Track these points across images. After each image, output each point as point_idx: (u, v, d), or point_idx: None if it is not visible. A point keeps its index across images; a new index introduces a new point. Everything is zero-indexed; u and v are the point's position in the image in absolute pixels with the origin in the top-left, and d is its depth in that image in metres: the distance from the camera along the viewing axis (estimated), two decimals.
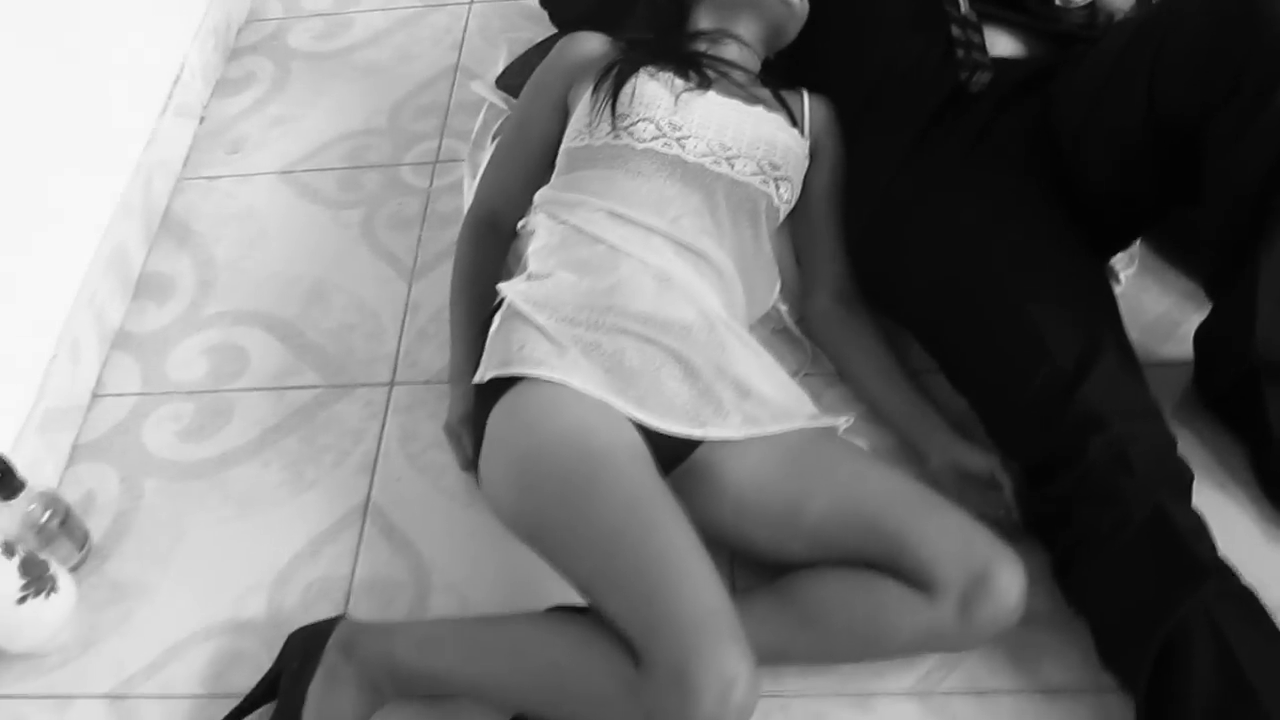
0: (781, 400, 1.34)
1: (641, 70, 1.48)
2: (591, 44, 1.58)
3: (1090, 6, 1.57)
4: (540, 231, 1.43)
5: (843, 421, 1.37)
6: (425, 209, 1.87)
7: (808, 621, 1.24)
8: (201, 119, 2.11)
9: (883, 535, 1.22)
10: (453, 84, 2.08)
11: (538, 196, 1.49)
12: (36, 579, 1.38)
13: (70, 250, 1.74)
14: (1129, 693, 1.19)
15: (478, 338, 1.39)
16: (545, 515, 1.20)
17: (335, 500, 1.52)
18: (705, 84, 1.50)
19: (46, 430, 1.60)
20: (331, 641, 1.27)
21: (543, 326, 1.29)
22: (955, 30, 1.52)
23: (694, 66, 1.52)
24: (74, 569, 1.49)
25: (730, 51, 1.57)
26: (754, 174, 1.46)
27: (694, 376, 1.30)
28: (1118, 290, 1.53)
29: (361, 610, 1.41)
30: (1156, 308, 1.58)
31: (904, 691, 1.27)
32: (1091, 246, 1.47)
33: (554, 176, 1.51)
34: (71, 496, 1.55)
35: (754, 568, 1.32)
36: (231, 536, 1.51)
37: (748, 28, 1.57)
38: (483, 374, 1.31)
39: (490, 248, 1.59)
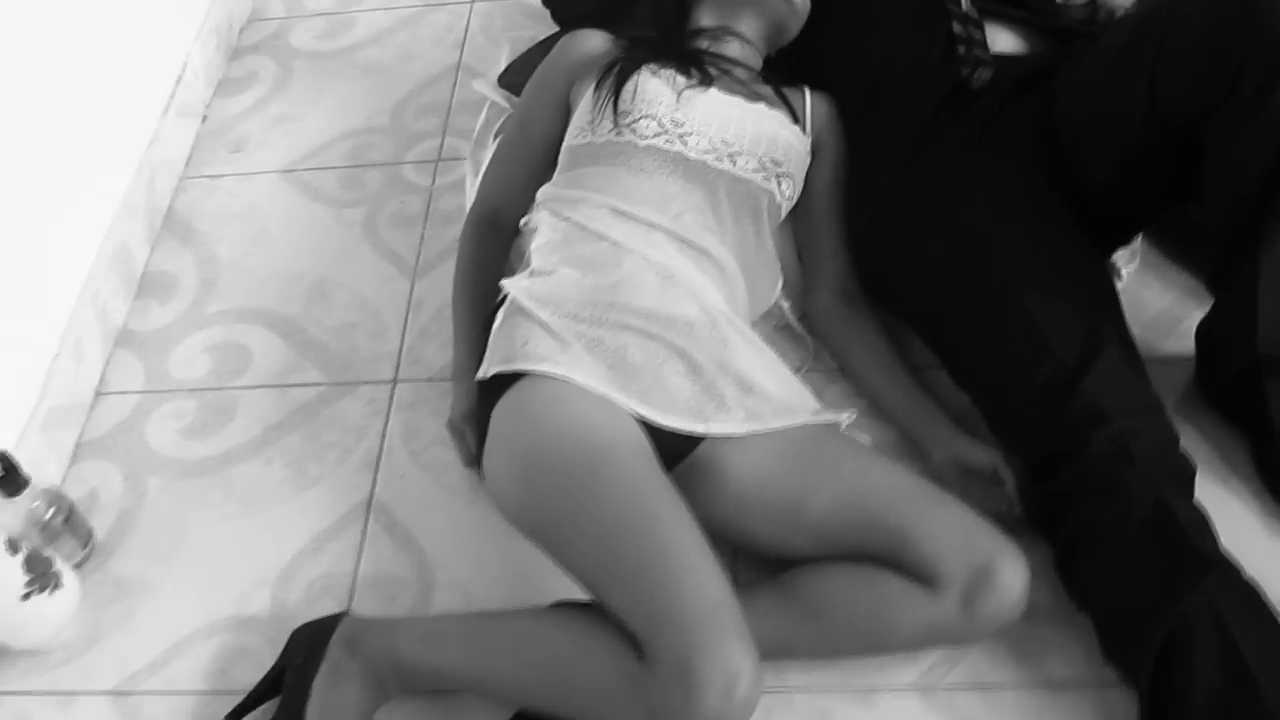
0: (784, 396, 1.35)
1: (643, 67, 1.48)
2: (593, 42, 1.58)
3: (1091, 3, 1.57)
4: (543, 229, 1.43)
5: (845, 417, 1.37)
6: (427, 207, 1.87)
7: (811, 616, 1.24)
8: (204, 118, 2.11)
9: (885, 530, 1.22)
10: (455, 83, 2.08)
11: (540, 194, 1.49)
12: (41, 575, 1.38)
13: (73, 249, 1.75)
14: (1132, 687, 1.19)
15: (480, 335, 1.39)
16: (549, 510, 1.21)
17: (338, 497, 1.53)
18: (707, 81, 1.50)
19: (50, 428, 1.60)
20: (335, 637, 1.28)
21: (546, 322, 1.29)
22: (956, 27, 1.52)
23: (696, 64, 1.52)
24: (78, 566, 1.49)
25: (732, 49, 1.57)
26: (756, 170, 1.46)
27: (697, 372, 1.30)
28: (1120, 286, 1.53)
29: (365, 607, 1.41)
30: (1158, 304, 1.58)
31: (907, 686, 1.27)
32: (1093, 242, 1.47)
33: (556, 174, 1.51)
34: (75, 494, 1.55)
35: (757, 563, 1.32)
36: (235, 534, 1.51)
37: (749, 25, 1.57)
38: (486, 370, 1.31)
39: (493, 246, 1.59)
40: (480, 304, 1.48)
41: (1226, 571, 1.18)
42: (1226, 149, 1.25)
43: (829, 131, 1.60)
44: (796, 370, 1.48)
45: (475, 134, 1.85)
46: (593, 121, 1.47)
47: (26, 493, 1.43)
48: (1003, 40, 1.56)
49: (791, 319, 1.59)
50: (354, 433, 1.60)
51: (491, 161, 1.66)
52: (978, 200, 1.44)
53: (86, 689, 1.40)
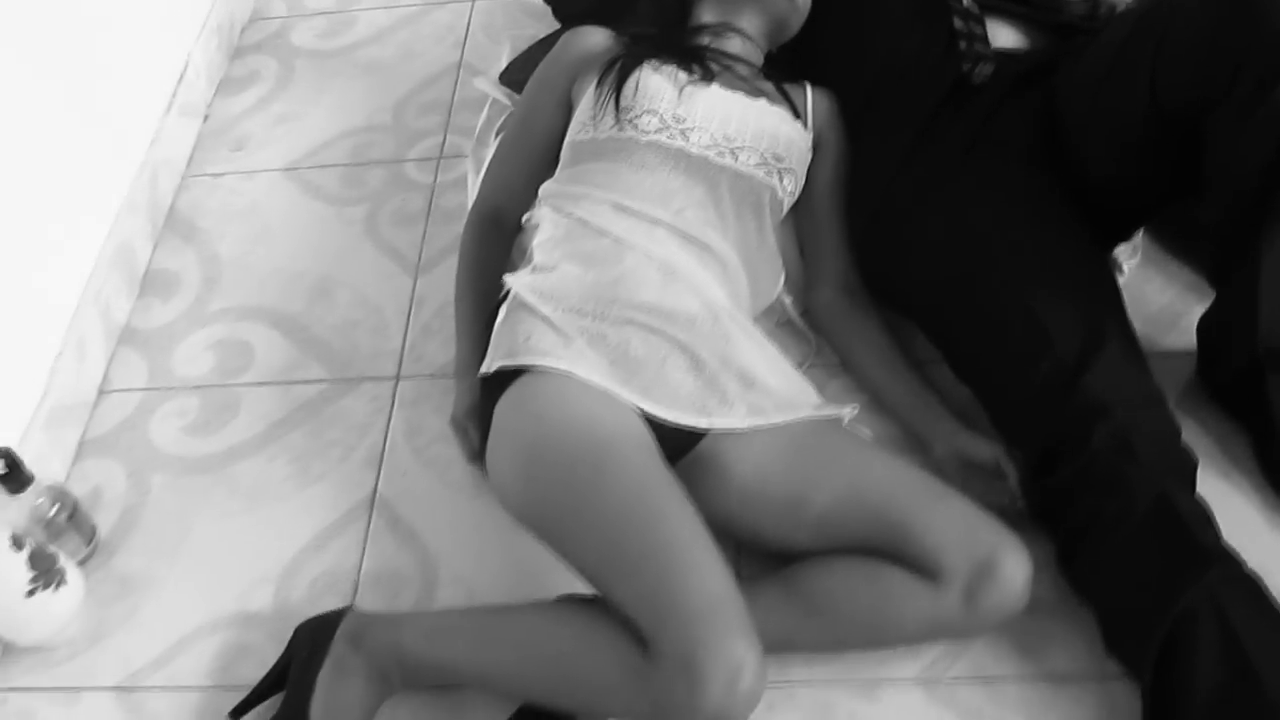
0: (786, 391, 1.35)
1: (645, 64, 1.48)
2: (595, 38, 1.58)
3: None
4: (545, 224, 1.44)
5: (847, 411, 1.37)
6: (429, 205, 1.88)
7: (814, 610, 1.25)
8: (206, 117, 2.11)
9: (888, 523, 1.22)
10: (456, 81, 2.08)
11: (542, 190, 1.50)
12: (45, 572, 1.39)
13: (76, 247, 1.75)
14: (1134, 679, 1.20)
15: (483, 332, 1.40)
16: (552, 504, 1.21)
17: (342, 494, 1.53)
18: (708, 77, 1.50)
19: (53, 426, 1.60)
20: (339, 632, 1.28)
21: (548, 317, 1.30)
22: (957, 22, 1.53)
23: (697, 60, 1.52)
24: (82, 563, 1.49)
25: (733, 45, 1.57)
26: (757, 166, 1.47)
27: (699, 367, 1.30)
28: (1121, 281, 1.53)
29: (368, 602, 1.41)
30: (1160, 298, 1.58)
31: (910, 679, 1.28)
32: (1094, 238, 1.47)
33: (558, 170, 1.52)
34: (79, 492, 1.55)
35: (760, 557, 1.32)
36: (238, 530, 1.52)
37: (750, 21, 1.58)
38: (489, 365, 1.31)
39: (495, 242, 1.59)
40: (483, 300, 1.48)
41: (1229, 564, 1.18)
42: (1227, 144, 1.25)
43: (830, 127, 1.60)
44: (799, 365, 1.49)
45: (477, 132, 1.85)
46: (595, 117, 1.47)
47: (30, 490, 1.43)
48: (1004, 36, 1.56)
49: (793, 314, 1.59)
50: (357, 430, 1.60)
51: (493, 158, 1.66)
52: (979, 196, 1.45)
53: (91, 685, 1.40)
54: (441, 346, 1.66)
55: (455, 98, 2.05)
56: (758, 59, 1.60)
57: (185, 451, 1.62)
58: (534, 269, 1.38)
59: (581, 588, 1.23)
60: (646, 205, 1.40)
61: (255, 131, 2.07)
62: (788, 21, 1.60)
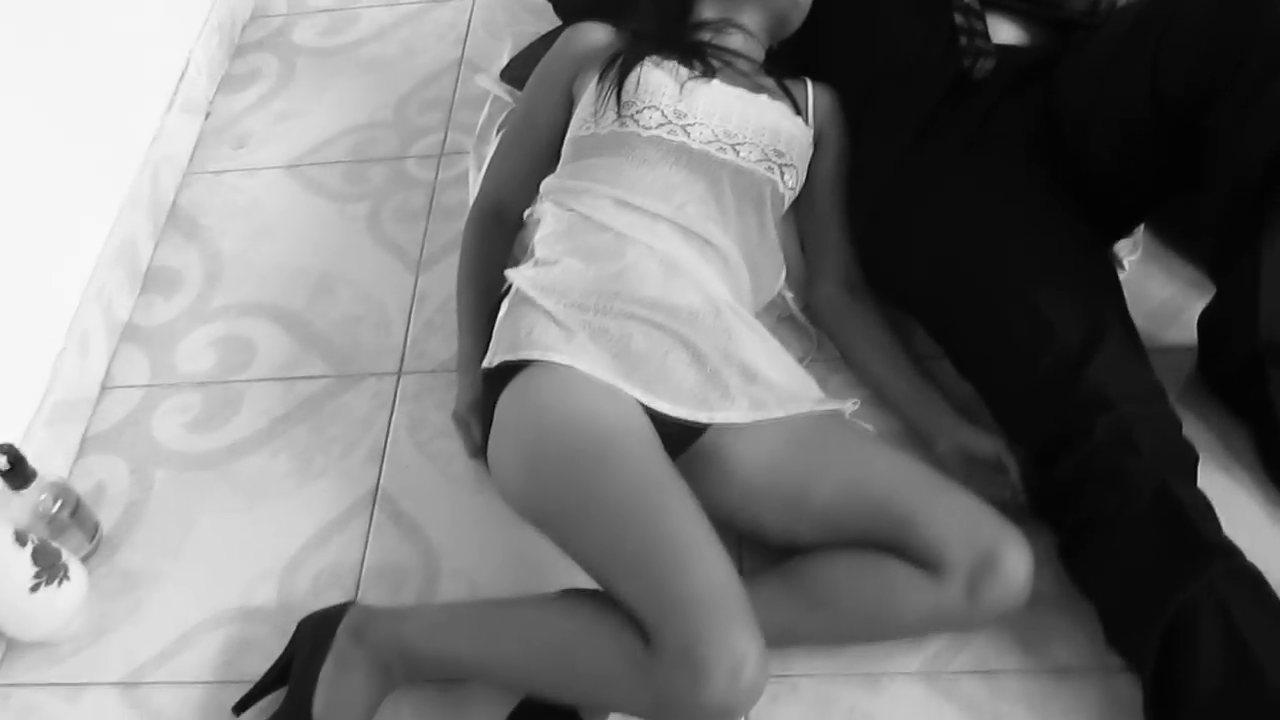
0: (788, 385, 1.35)
1: (646, 59, 1.49)
2: (597, 34, 1.59)
3: None
4: (547, 219, 1.44)
5: (849, 406, 1.37)
6: (431, 201, 1.88)
7: (816, 603, 1.25)
8: (207, 114, 2.12)
9: (890, 516, 1.23)
10: (457, 78, 2.08)
11: (544, 185, 1.50)
12: (49, 568, 1.39)
13: (78, 244, 1.75)
14: (1136, 673, 1.20)
15: (485, 327, 1.40)
16: (554, 497, 1.21)
17: (344, 489, 1.53)
18: (710, 73, 1.51)
19: (56, 423, 1.60)
20: (342, 627, 1.28)
21: (551, 311, 1.30)
22: (958, 18, 1.53)
23: (698, 55, 1.53)
24: (85, 559, 1.49)
25: (734, 41, 1.57)
26: (759, 161, 1.47)
27: (701, 361, 1.31)
28: (1122, 276, 1.53)
29: (371, 596, 1.42)
30: (1161, 294, 1.58)
31: (912, 672, 1.28)
32: (1095, 233, 1.47)
33: (560, 166, 1.52)
34: (82, 488, 1.55)
35: (762, 550, 1.33)
36: (241, 526, 1.52)
37: (752, 17, 1.58)
38: (491, 359, 1.32)
39: (496, 238, 1.60)
40: (484, 296, 1.48)
41: (1230, 557, 1.18)
42: (1228, 136, 1.25)
43: (831, 123, 1.60)
44: (800, 360, 1.49)
45: (478, 129, 1.86)
46: (596, 113, 1.48)
47: (33, 486, 1.43)
48: (1004, 31, 1.56)
49: (795, 310, 1.59)
50: (359, 425, 1.60)
51: (495, 154, 1.66)
52: (980, 191, 1.45)
53: (94, 680, 1.40)
54: (443, 342, 1.66)
55: (457, 95, 2.05)
56: (759, 55, 1.60)
57: (188, 447, 1.62)
58: (536, 263, 1.39)
59: (584, 581, 1.23)
60: (648, 200, 1.40)
61: (257, 129, 2.07)
62: (789, 17, 1.61)
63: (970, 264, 1.41)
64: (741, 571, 1.14)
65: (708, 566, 1.11)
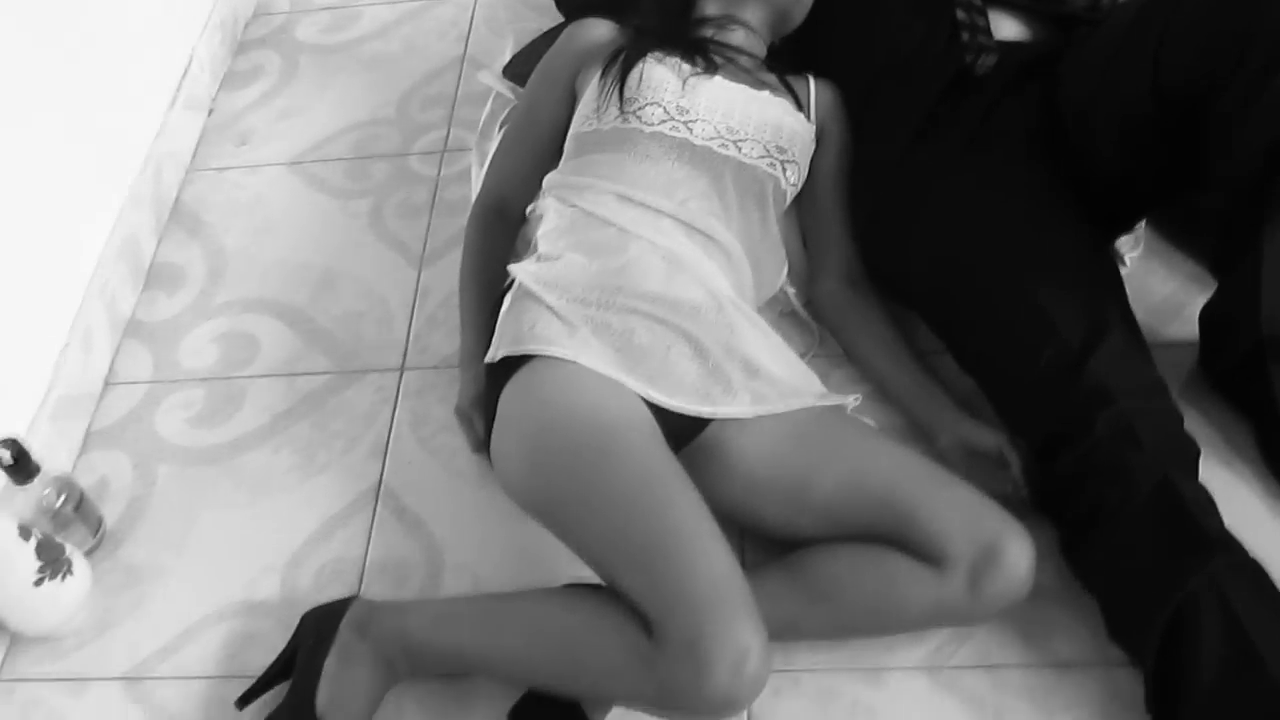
0: (790, 379, 1.35)
1: (649, 55, 1.49)
2: (599, 30, 1.59)
3: None
4: (549, 215, 1.44)
5: (851, 400, 1.38)
6: (433, 198, 1.88)
7: (819, 596, 1.25)
8: (210, 111, 2.12)
9: (892, 509, 1.23)
10: (459, 75, 2.09)
11: (546, 181, 1.50)
12: (52, 562, 1.39)
13: (82, 240, 1.76)
14: (1138, 666, 1.20)
15: (487, 322, 1.40)
16: (557, 490, 1.21)
17: (347, 484, 1.54)
18: (712, 69, 1.51)
19: (59, 418, 1.61)
20: (345, 620, 1.29)
21: (553, 306, 1.30)
22: (960, 14, 1.53)
23: (701, 52, 1.53)
24: (89, 554, 1.50)
25: (736, 37, 1.57)
26: (761, 157, 1.47)
27: (703, 355, 1.31)
28: (1124, 272, 1.54)
29: (374, 590, 1.42)
30: (1162, 289, 1.59)
31: (914, 666, 1.28)
32: (1096, 228, 1.47)
33: (562, 161, 1.52)
34: (85, 483, 1.55)
35: (765, 544, 1.33)
36: (244, 520, 1.52)
37: (754, 13, 1.58)
38: (494, 353, 1.32)
39: (499, 234, 1.60)
40: (487, 291, 1.49)
41: (1232, 550, 1.18)
42: (1231, 128, 1.25)
43: (833, 119, 1.60)
44: (802, 356, 1.49)
45: (480, 125, 1.86)
46: (599, 109, 1.48)
47: (37, 480, 1.44)
48: (1006, 27, 1.56)
49: (797, 305, 1.60)
50: (362, 420, 1.60)
51: (498, 150, 1.67)
52: (982, 186, 1.45)
53: (98, 675, 1.41)
54: (446, 337, 1.66)
55: (459, 92, 2.05)
56: (761, 51, 1.60)
57: (191, 443, 1.62)
58: (539, 259, 1.39)
59: (587, 576, 1.24)
60: (651, 196, 1.40)
61: (259, 126, 2.07)
62: (790, 14, 1.61)
63: (972, 259, 1.41)
64: (744, 565, 1.14)
65: (711, 560, 1.11)
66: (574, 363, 1.25)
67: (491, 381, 1.32)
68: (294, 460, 1.57)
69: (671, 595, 1.09)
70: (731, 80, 1.51)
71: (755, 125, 1.48)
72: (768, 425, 1.31)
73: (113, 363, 1.74)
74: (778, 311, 1.59)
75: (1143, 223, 1.61)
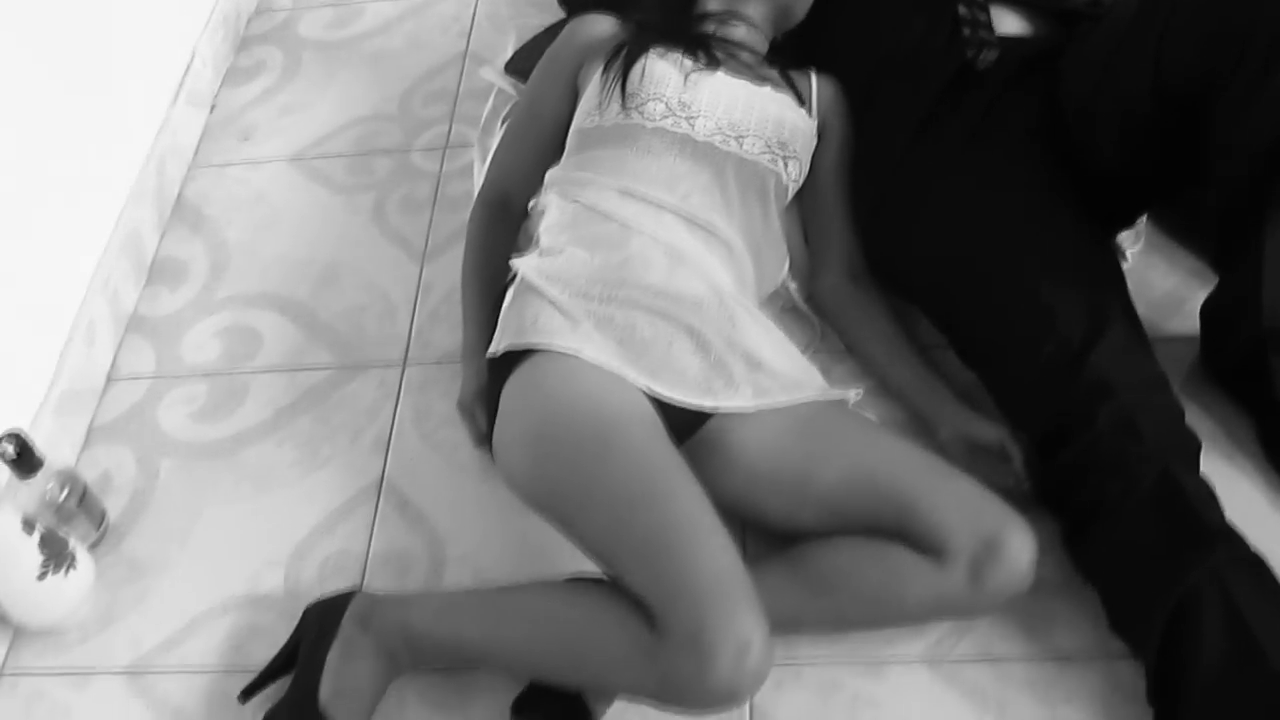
0: (792, 372, 1.36)
1: (651, 50, 1.49)
2: (601, 25, 1.59)
3: None
4: (552, 210, 1.45)
5: (853, 394, 1.38)
6: (435, 193, 1.89)
7: (820, 589, 1.25)
8: (212, 107, 2.12)
9: (894, 502, 1.23)
10: (462, 70, 2.09)
11: (549, 176, 1.50)
12: (56, 555, 1.39)
13: (84, 236, 1.76)
14: (1139, 658, 1.20)
15: (490, 317, 1.41)
16: (560, 483, 1.22)
17: (349, 477, 1.54)
18: (714, 64, 1.51)
19: (62, 412, 1.61)
20: (348, 613, 1.29)
21: (556, 300, 1.30)
22: (962, 9, 1.53)
23: (703, 47, 1.53)
24: (92, 547, 1.50)
25: (738, 33, 1.58)
26: (762, 152, 1.47)
27: (705, 349, 1.31)
28: (1125, 267, 1.54)
29: (377, 584, 1.42)
30: (1163, 284, 1.59)
31: (916, 658, 1.28)
32: (1098, 223, 1.48)
33: (564, 156, 1.52)
34: (88, 477, 1.55)
35: (766, 537, 1.33)
36: (247, 514, 1.53)
37: (756, 9, 1.58)
38: (496, 346, 1.32)
39: (501, 229, 1.60)
40: (489, 286, 1.49)
41: (1233, 543, 1.19)
42: (1233, 122, 1.25)
43: (835, 114, 1.61)
44: (803, 350, 1.49)
45: (482, 121, 1.86)
46: (601, 104, 1.48)
47: (41, 474, 1.44)
48: (1008, 23, 1.57)
49: (798, 300, 1.60)
50: (364, 414, 1.61)
51: (500, 145, 1.67)
52: (983, 181, 1.45)
53: (101, 668, 1.41)
54: (448, 332, 1.67)
55: (461, 87, 2.06)
56: (763, 46, 1.61)
57: (194, 437, 1.63)
58: (541, 252, 1.39)
59: (589, 569, 1.24)
60: (653, 190, 1.40)
61: (262, 121, 2.08)
62: (792, 9, 1.61)
63: (973, 254, 1.41)
64: (745, 558, 1.14)
65: (713, 551, 1.11)
66: (576, 356, 1.25)
67: (494, 375, 1.33)
68: (296, 454, 1.58)
69: (674, 587, 1.09)
70: (733, 76, 1.51)
71: (757, 120, 1.48)
72: (769, 419, 1.31)
73: (115, 357, 1.74)
74: (779, 306, 1.59)
75: (1144, 218, 1.61)
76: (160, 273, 1.85)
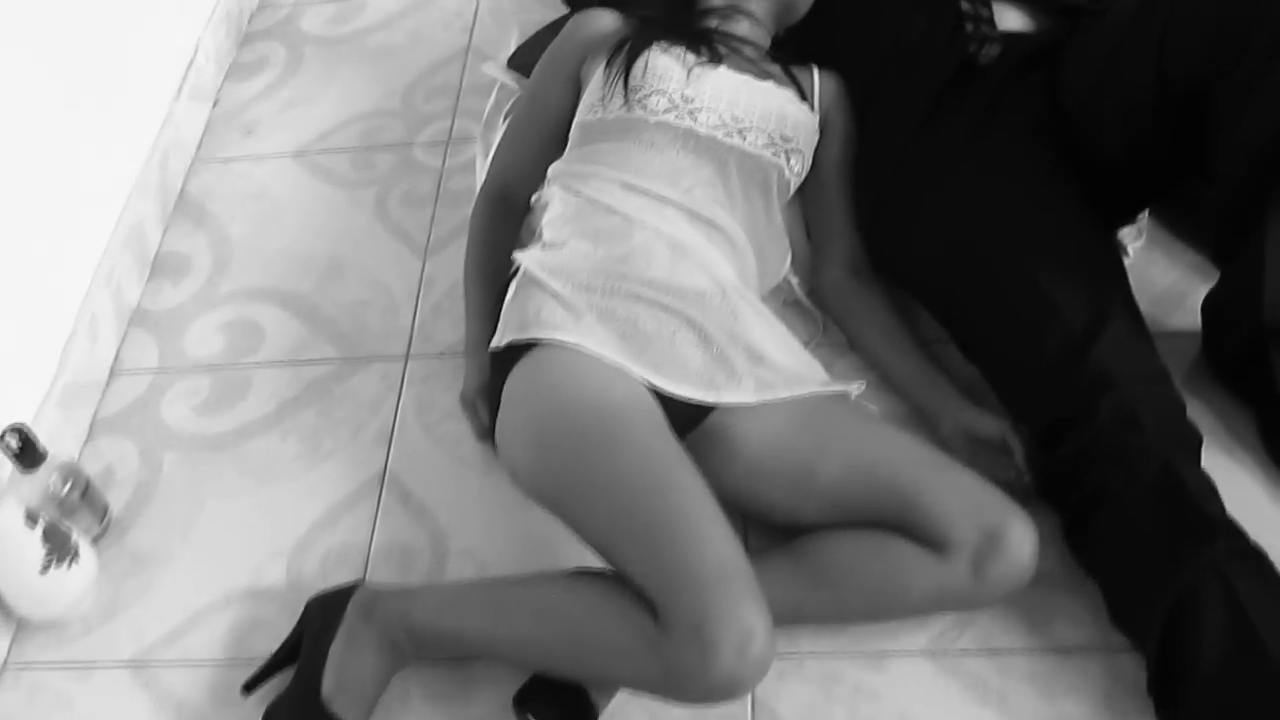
0: (794, 366, 1.36)
1: (654, 45, 1.50)
2: (604, 20, 1.59)
3: None
4: (554, 203, 1.45)
5: (855, 387, 1.38)
6: (438, 188, 1.89)
7: (822, 582, 1.26)
8: (215, 102, 2.12)
9: (895, 495, 1.23)
10: (464, 66, 2.09)
11: (551, 170, 1.51)
12: (59, 548, 1.40)
13: (88, 230, 1.76)
14: (1140, 650, 1.20)
15: (493, 310, 1.41)
16: (563, 475, 1.22)
17: (352, 470, 1.54)
18: (717, 59, 1.51)
19: (66, 406, 1.61)
20: (351, 605, 1.29)
21: (558, 293, 1.31)
22: (964, 4, 1.54)
23: (705, 42, 1.53)
24: (95, 540, 1.50)
25: (741, 28, 1.58)
26: (765, 146, 1.48)
27: (707, 342, 1.32)
28: (1126, 262, 1.54)
29: (380, 576, 1.43)
30: (1165, 279, 1.59)
31: (917, 650, 1.29)
32: (1099, 218, 1.48)
33: (567, 150, 1.53)
34: (91, 470, 1.56)
35: (768, 530, 1.33)
36: (250, 507, 1.53)
37: (759, 4, 1.58)
38: (499, 340, 1.33)
39: (504, 222, 1.60)
40: (492, 279, 1.49)
41: (1233, 536, 1.19)
42: (1235, 115, 1.25)
43: (837, 109, 1.61)
44: (805, 344, 1.49)
45: (485, 115, 1.86)
46: (604, 98, 1.48)
47: (44, 467, 1.44)
48: (1010, 18, 1.57)
49: (800, 294, 1.60)
50: (367, 408, 1.61)
51: (503, 139, 1.67)
52: (985, 175, 1.45)
53: (104, 660, 1.41)
54: (451, 326, 1.67)
55: (463, 82, 2.06)
56: (765, 42, 1.61)
57: (197, 430, 1.63)
58: (544, 246, 1.39)
59: (591, 562, 1.24)
60: (655, 184, 1.41)
61: (265, 116, 2.08)
62: (795, 4, 1.62)
63: (975, 248, 1.42)
64: (748, 551, 1.15)
65: (715, 543, 1.12)
66: (579, 348, 1.25)
67: (497, 368, 1.33)
68: (299, 447, 1.58)
69: (676, 578, 1.10)
70: (736, 70, 1.51)
71: (759, 114, 1.48)
72: (771, 412, 1.31)
73: (119, 351, 1.75)
74: (782, 300, 1.60)
75: (1145, 213, 1.61)
76: (163, 267, 1.86)
